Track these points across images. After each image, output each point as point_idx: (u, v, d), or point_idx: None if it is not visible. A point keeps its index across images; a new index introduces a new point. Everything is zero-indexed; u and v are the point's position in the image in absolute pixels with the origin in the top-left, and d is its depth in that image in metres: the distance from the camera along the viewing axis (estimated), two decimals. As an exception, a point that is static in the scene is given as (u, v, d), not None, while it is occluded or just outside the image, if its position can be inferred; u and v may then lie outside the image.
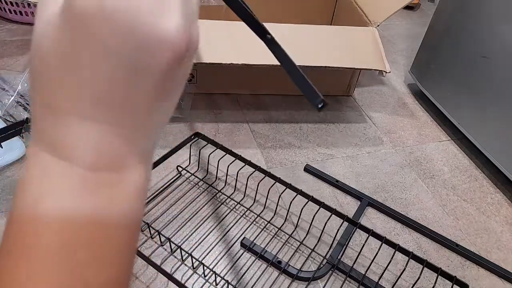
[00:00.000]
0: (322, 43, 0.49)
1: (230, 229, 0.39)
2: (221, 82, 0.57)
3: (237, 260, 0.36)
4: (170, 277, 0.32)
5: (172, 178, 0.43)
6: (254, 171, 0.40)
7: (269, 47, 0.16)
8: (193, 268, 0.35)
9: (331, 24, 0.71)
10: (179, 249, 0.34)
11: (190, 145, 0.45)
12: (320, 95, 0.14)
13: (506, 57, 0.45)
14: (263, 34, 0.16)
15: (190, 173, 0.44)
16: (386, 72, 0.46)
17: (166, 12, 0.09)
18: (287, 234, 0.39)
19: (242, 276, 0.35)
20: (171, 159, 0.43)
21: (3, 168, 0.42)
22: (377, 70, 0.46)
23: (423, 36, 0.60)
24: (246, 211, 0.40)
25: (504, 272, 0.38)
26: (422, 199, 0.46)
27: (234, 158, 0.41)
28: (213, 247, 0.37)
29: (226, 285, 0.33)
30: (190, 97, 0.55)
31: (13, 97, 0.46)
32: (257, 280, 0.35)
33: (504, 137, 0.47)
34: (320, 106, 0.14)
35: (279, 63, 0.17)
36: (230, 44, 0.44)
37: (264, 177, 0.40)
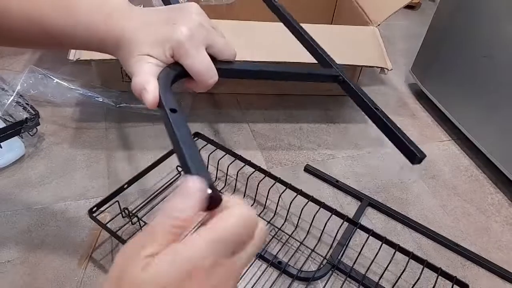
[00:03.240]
0: (323, 42, 0.48)
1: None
2: (221, 82, 0.57)
3: (237, 261, 0.36)
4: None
5: (171, 178, 0.43)
6: (254, 171, 0.40)
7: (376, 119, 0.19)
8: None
9: (331, 24, 0.71)
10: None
11: (190, 145, 0.44)
12: (416, 152, 0.16)
13: (507, 56, 0.45)
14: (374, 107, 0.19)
15: (190, 173, 0.44)
16: (387, 70, 0.46)
17: None
18: (287, 234, 0.38)
19: (242, 276, 0.35)
20: (170, 159, 0.43)
21: (2, 168, 0.42)
22: (379, 67, 0.46)
23: (423, 36, 0.60)
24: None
25: (505, 272, 0.38)
26: (423, 199, 0.46)
27: (234, 158, 0.41)
28: (213, 248, 0.37)
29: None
30: (190, 97, 0.55)
31: (12, 97, 0.46)
32: (257, 280, 0.35)
33: (505, 137, 0.47)
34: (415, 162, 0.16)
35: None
36: (231, 40, 0.43)
37: (264, 177, 0.40)
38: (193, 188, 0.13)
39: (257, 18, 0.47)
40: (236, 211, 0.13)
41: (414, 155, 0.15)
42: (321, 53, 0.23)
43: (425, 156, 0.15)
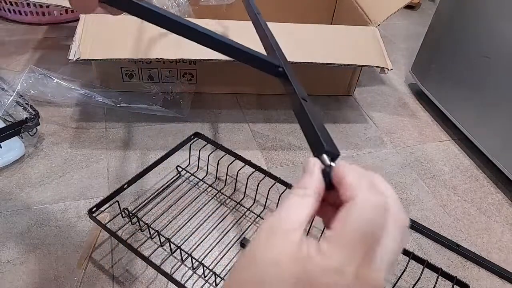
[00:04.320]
0: (324, 41, 0.49)
1: (230, 229, 0.38)
2: (221, 82, 0.57)
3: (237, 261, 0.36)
4: (170, 277, 0.32)
5: (171, 179, 0.43)
6: (254, 171, 0.40)
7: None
8: (193, 269, 0.35)
9: (331, 24, 0.71)
10: (178, 250, 0.34)
11: (190, 145, 0.44)
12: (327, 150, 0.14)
13: (507, 56, 0.45)
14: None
15: (190, 173, 0.44)
16: (387, 69, 0.46)
17: None
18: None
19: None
20: (170, 159, 0.43)
21: (2, 168, 0.42)
22: (379, 67, 0.46)
23: (423, 36, 0.60)
24: (246, 211, 0.40)
25: (505, 273, 0.38)
26: (423, 199, 0.46)
27: (234, 158, 0.41)
28: (213, 248, 0.37)
29: (226, 285, 0.33)
30: (190, 97, 0.55)
31: (12, 97, 0.46)
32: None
33: (504, 137, 0.47)
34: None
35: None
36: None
37: (264, 177, 0.40)
38: (312, 164, 0.13)
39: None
40: (358, 202, 0.12)
41: (324, 153, 0.14)
42: (271, 43, 0.22)
43: (339, 154, 0.14)
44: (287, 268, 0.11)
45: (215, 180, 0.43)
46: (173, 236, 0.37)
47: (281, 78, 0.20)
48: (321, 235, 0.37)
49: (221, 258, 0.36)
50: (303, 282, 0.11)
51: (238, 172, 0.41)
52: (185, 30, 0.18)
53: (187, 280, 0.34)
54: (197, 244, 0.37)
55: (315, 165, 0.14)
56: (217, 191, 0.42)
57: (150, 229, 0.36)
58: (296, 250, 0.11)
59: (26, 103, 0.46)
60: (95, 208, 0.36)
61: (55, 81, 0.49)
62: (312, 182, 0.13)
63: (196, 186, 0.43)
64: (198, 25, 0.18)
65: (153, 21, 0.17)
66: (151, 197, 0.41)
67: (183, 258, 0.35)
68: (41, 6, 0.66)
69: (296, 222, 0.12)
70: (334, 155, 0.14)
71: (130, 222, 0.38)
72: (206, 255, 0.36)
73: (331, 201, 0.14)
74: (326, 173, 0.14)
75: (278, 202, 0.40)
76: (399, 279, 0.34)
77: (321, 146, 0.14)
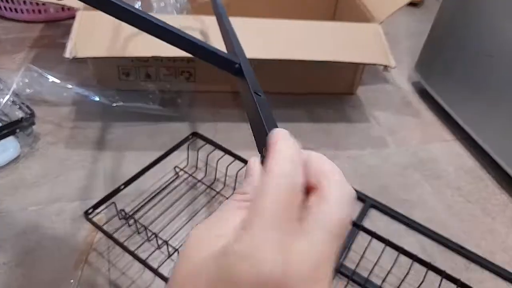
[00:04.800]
0: (326, 39, 0.48)
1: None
2: (220, 80, 0.56)
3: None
4: (167, 280, 0.32)
5: (169, 179, 0.42)
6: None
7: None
8: (191, 272, 0.34)
9: (333, 21, 0.70)
10: (176, 252, 0.34)
11: (188, 145, 0.44)
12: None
13: (511, 55, 0.44)
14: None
15: (188, 174, 0.43)
16: (391, 67, 0.45)
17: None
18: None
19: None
20: (168, 159, 0.42)
21: (-3, 168, 0.42)
22: (382, 65, 0.45)
23: (427, 34, 0.59)
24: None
25: (509, 275, 0.37)
26: (426, 200, 0.45)
27: (233, 159, 0.40)
28: (211, 250, 0.36)
29: None
30: (188, 96, 0.54)
31: (8, 96, 0.46)
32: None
33: (509, 137, 0.46)
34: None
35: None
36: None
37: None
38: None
39: (255, 15, 0.46)
40: (336, 189, 0.11)
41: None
42: (231, 40, 0.21)
43: None
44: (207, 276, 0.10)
45: (214, 181, 0.43)
46: (171, 238, 0.36)
47: (238, 76, 0.18)
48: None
49: (220, 261, 0.35)
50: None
51: (237, 172, 0.40)
52: (135, 19, 0.16)
53: (185, 283, 0.33)
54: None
55: (255, 164, 0.13)
56: (216, 192, 0.41)
57: (148, 231, 0.35)
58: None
59: (21, 103, 0.45)
60: (91, 210, 0.35)
61: (51, 80, 0.48)
62: (253, 184, 0.12)
63: (194, 187, 0.42)
64: (152, 16, 0.16)
65: (101, 8, 0.16)
66: (148, 198, 0.40)
67: (181, 261, 0.35)
68: (37, 4, 0.65)
69: (228, 229, 0.11)
70: None
71: (127, 224, 0.37)
72: (205, 257, 0.35)
73: None
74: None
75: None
76: (402, 282, 0.33)
77: (266, 137, 0.13)
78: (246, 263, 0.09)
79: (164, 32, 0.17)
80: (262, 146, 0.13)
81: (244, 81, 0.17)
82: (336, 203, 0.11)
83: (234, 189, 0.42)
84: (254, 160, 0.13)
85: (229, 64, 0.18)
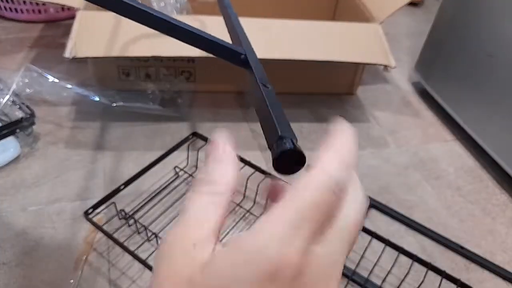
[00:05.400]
0: (325, 38, 0.48)
1: (229, 231, 0.38)
2: (220, 80, 0.56)
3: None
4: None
5: (169, 179, 0.42)
6: (254, 172, 0.39)
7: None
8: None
9: (333, 21, 0.70)
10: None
11: (188, 145, 0.44)
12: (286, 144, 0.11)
13: (511, 55, 0.44)
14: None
15: (188, 174, 0.43)
16: (391, 67, 0.45)
17: None
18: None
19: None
20: (168, 159, 0.42)
21: (-3, 168, 0.42)
22: (382, 65, 0.45)
23: (427, 34, 0.59)
24: (246, 213, 0.40)
25: (509, 275, 0.37)
26: (427, 200, 0.45)
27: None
28: (211, 250, 0.36)
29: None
30: (188, 96, 0.54)
31: (8, 96, 0.46)
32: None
33: (509, 137, 0.46)
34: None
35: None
36: (229, 39, 0.43)
37: (264, 178, 0.39)
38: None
39: (255, 15, 0.46)
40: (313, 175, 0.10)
41: (281, 145, 0.11)
42: (237, 32, 0.20)
43: (296, 139, 0.11)
44: None
45: (214, 180, 0.43)
46: (171, 238, 0.36)
47: (244, 67, 0.17)
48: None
49: (220, 261, 0.35)
50: None
51: (237, 172, 0.40)
52: (136, 12, 0.16)
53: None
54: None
55: (225, 148, 0.11)
56: (216, 192, 0.41)
57: (147, 231, 0.35)
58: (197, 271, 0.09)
59: (21, 103, 0.45)
60: (91, 210, 0.35)
61: (51, 79, 0.48)
62: (221, 171, 0.11)
63: (195, 187, 0.42)
64: (151, 9, 0.16)
65: (103, 4, 0.16)
66: (148, 198, 0.40)
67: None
68: (37, 4, 0.65)
69: (203, 233, 0.10)
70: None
71: (127, 224, 0.37)
72: (205, 257, 0.35)
73: None
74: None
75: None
76: (402, 282, 0.33)
77: (276, 132, 0.11)
78: (273, 252, 0.09)
79: (165, 25, 0.16)
80: (271, 141, 0.12)
81: (251, 72, 0.16)
82: (355, 213, 0.11)
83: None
84: (221, 139, 0.12)
85: (234, 54, 0.17)
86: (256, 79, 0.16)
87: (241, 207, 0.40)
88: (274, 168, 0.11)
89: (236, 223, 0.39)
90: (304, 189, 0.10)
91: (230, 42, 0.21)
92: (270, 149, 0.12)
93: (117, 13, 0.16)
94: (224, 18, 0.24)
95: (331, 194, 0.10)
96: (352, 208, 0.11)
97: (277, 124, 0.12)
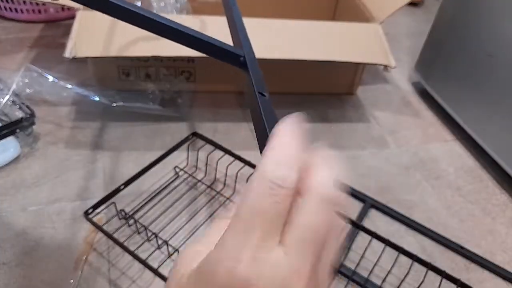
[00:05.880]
0: (325, 38, 0.48)
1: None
2: (220, 80, 0.56)
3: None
4: (167, 280, 0.32)
5: (169, 179, 0.42)
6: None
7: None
8: (191, 272, 0.34)
9: (333, 21, 0.70)
10: (176, 252, 0.34)
11: (188, 145, 0.44)
12: None
13: (511, 55, 0.44)
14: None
15: (188, 174, 0.43)
16: (391, 67, 0.45)
17: None
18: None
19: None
20: (168, 159, 0.42)
21: (-3, 168, 0.41)
22: (382, 65, 0.45)
23: (427, 34, 0.59)
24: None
25: (509, 275, 0.37)
26: (427, 200, 0.45)
27: (234, 159, 0.40)
28: (211, 250, 0.36)
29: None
30: (188, 96, 0.54)
31: (8, 96, 0.45)
32: None
33: (509, 137, 0.46)
34: None
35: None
36: (229, 39, 0.43)
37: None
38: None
39: (255, 15, 0.46)
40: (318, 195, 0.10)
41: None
42: (238, 33, 0.20)
43: None
44: None
45: (214, 181, 0.43)
46: (171, 238, 0.36)
47: (243, 70, 0.17)
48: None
49: (220, 261, 0.35)
50: None
51: (237, 173, 0.40)
52: (132, 16, 0.15)
53: (185, 283, 0.33)
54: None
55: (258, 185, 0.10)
56: (216, 192, 0.41)
57: (148, 231, 0.35)
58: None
59: (21, 103, 0.45)
60: (91, 210, 0.35)
61: (51, 79, 0.48)
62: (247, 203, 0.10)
63: (195, 187, 0.42)
64: (149, 12, 0.16)
65: (99, 7, 0.15)
66: (148, 198, 0.40)
67: (181, 261, 0.35)
68: (37, 4, 0.65)
69: (210, 243, 0.10)
70: None
71: (127, 224, 0.37)
72: (205, 257, 0.35)
73: None
74: None
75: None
76: (402, 282, 0.33)
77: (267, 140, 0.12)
78: (222, 268, 0.09)
79: (162, 28, 0.16)
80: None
81: (248, 76, 0.17)
82: (311, 214, 0.10)
83: (234, 188, 0.42)
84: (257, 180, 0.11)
85: (233, 56, 0.17)
86: (253, 87, 0.15)
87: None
88: None
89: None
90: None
91: (231, 41, 0.21)
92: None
93: (116, 17, 0.16)
94: (227, 16, 0.24)
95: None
96: (307, 209, 0.10)
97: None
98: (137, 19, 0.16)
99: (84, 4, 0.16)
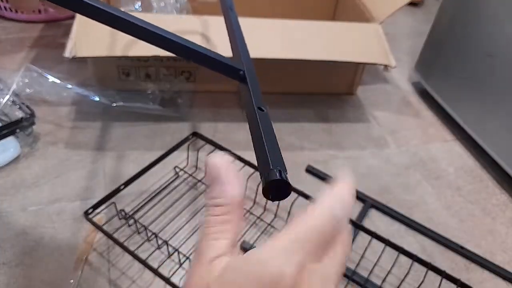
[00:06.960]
0: (325, 38, 0.48)
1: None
2: (220, 80, 0.56)
3: (236, 264, 0.35)
4: (167, 280, 0.32)
5: (169, 179, 0.42)
6: (254, 172, 0.39)
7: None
8: (191, 272, 0.34)
9: (333, 20, 0.70)
10: (176, 252, 0.34)
11: (188, 145, 0.44)
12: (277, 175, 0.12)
13: (511, 55, 0.44)
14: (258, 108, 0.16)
15: (188, 174, 0.43)
16: (391, 67, 0.45)
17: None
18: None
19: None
20: (168, 159, 0.42)
21: (-3, 168, 0.41)
22: (382, 64, 0.45)
23: (427, 34, 0.59)
24: (246, 213, 0.40)
25: (509, 275, 0.37)
26: (427, 200, 0.45)
27: (234, 159, 0.40)
28: (211, 250, 0.36)
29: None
30: (188, 96, 0.54)
31: (8, 96, 0.45)
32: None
33: (509, 137, 0.46)
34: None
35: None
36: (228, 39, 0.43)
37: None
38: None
39: (255, 15, 0.46)
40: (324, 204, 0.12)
41: (272, 176, 0.12)
42: (237, 43, 0.20)
43: (285, 182, 0.12)
44: None
45: (214, 180, 0.43)
46: (171, 238, 0.36)
47: (242, 83, 0.18)
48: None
49: (220, 261, 0.35)
50: None
51: (237, 172, 0.40)
52: (134, 28, 0.16)
53: (185, 283, 0.33)
54: (195, 246, 0.36)
55: (227, 170, 0.12)
56: (216, 192, 0.41)
57: (148, 231, 0.35)
58: None
59: (21, 103, 0.45)
60: (91, 210, 0.35)
61: (51, 79, 0.48)
62: (228, 193, 0.12)
63: (195, 187, 0.42)
64: (152, 25, 0.16)
65: (104, 21, 0.15)
66: (149, 198, 0.40)
67: (181, 261, 0.35)
68: (37, 3, 0.65)
69: (219, 250, 0.12)
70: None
71: (127, 224, 0.37)
72: (205, 257, 0.35)
73: None
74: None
75: (278, 204, 0.39)
76: (402, 282, 0.33)
77: (267, 164, 0.13)
78: (266, 267, 0.10)
79: (162, 40, 0.16)
80: (263, 170, 0.13)
81: (247, 91, 0.17)
82: (345, 247, 0.13)
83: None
84: (221, 162, 0.13)
85: (233, 70, 0.18)
86: (252, 102, 0.16)
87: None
88: (263, 194, 0.13)
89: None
90: (309, 216, 0.12)
91: (230, 45, 0.21)
92: (261, 177, 0.13)
93: (108, 25, 0.16)
94: (226, 25, 0.24)
95: (331, 226, 0.12)
96: (343, 242, 0.13)
97: (269, 156, 0.13)
98: (131, 29, 0.16)
99: (79, 12, 0.16)
